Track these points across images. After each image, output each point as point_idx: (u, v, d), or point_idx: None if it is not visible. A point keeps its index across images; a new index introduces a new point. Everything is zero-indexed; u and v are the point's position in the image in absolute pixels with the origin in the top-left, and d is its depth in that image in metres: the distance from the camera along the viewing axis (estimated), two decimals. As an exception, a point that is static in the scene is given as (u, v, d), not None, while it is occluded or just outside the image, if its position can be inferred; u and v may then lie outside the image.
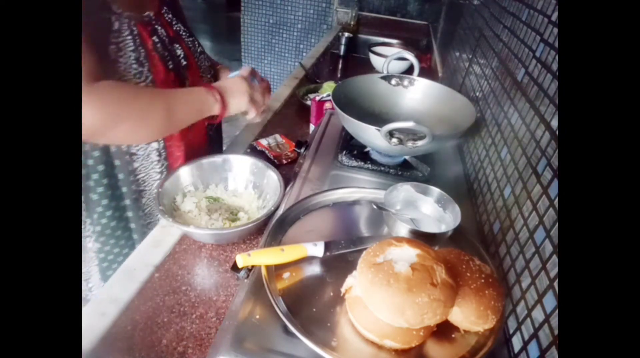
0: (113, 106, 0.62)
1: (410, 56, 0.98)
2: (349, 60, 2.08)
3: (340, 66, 2.02)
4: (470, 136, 0.92)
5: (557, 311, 0.42)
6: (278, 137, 1.11)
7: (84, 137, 0.63)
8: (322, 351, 0.42)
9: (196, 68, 0.86)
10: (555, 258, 0.45)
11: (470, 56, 1.15)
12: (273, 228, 0.60)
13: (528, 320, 0.48)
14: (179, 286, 0.64)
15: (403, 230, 0.58)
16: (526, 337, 0.48)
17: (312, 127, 1.17)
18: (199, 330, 0.58)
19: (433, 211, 0.64)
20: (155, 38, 0.75)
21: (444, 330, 0.47)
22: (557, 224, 0.46)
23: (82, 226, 0.85)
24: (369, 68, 1.83)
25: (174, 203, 0.77)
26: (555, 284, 0.44)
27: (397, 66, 1.62)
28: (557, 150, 0.50)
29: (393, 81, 0.96)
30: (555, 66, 0.56)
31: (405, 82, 0.96)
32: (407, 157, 0.84)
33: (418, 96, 0.96)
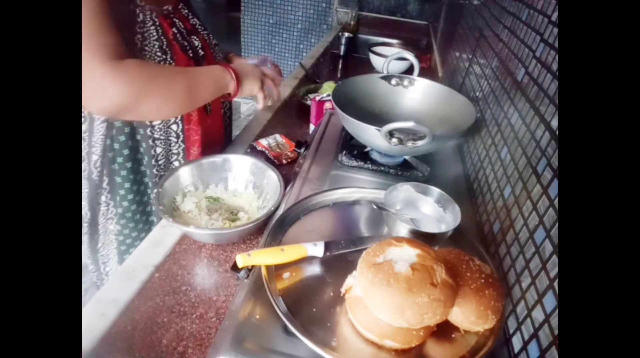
0: (140, 82, 0.65)
1: (410, 56, 0.98)
2: (349, 60, 2.08)
3: (340, 66, 2.02)
4: (470, 136, 0.92)
5: (557, 311, 0.42)
6: (278, 137, 1.11)
7: (113, 113, 0.67)
8: (322, 351, 0.42)
9: (212, 58, 0.90)
10: (555, 258, 0.45)
11: (470, 56, 1.15)
12: (273, 228, 0.60)
13: (528, 320, 0.48)
14: (179, 286, 0.64)
15: (403, 230, 0.58)
16: (526, 337, 0.48)
17: (312, 127, 1.17)
18: (199, 330, 0.58)
19: (433, 211, 0.64)
20: (174, 29, 0.81)
21: (444, 330, 0.47)
22: (557, 224, 0.46)
23: (106, 209, 0.89)
24: (369, 68, 1.83)
25: (174, 203, 0.77)
26: (555, 284, 0.44)
27: (397, 66, 1.62)
28: (557, 150, 0.50)
29: (393, 81, 0.96)
30: (555, 66, 0.56)
31: (405, 82, 0.96)
32: (407, 157, 0.84)
33: (418, 96, 0.96)
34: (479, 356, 0.45)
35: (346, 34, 2.09)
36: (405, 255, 0.45)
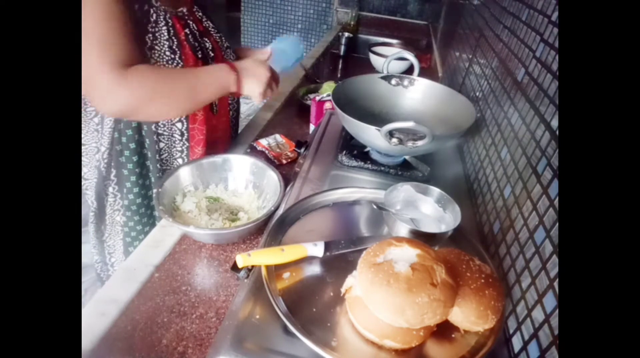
0: (145, 88, 0.70)
1: (410, 56, 0.98)
2: (349, 60, 2.08)
3: (340, 66, 2.02)
4: (470, 136, 0.92)
5: (557, 311, 0.42)
6: (278, 137, 1.11)
7: (120, 116, 0.76)
8: (322, 351, 0.42)
9: (223, 60, 0.92)
10: (555, 258, 0.45)
11: (470, 56, 1.15)
12: (273, 228, 0.60)
13: (528, 320, 0.48)
14: (179, 286, 0.64)
15: (403, 230, 0.58)
16: (526, 337, 0.48)
17: (312, 127, 1.17)
18: (199, 330, 0.58)
19: (433, 211, 0.64)
20: (187, 30, 0.83)
21: (444, 330, 0.47)
22: (557, 224, 0.46)
23: (113, 200, 0.93)
24: (369, 68, 1.83)
25: (174, 203, 0.77)
26: (555, 284, 0.44)
27: (397, 66, 1.62)
28: (557, 150, 0.50)
29: (393, 81, 0.96)
30: (555, 66, 0.56)
31: (405, 82, 0.96)
32: (407, 157, 0.84)
33: (418, 96, 0.96)
34: (479, 356, 0.44)
35: (346, 34, 2.09)
36: (405, 255, 0.45)
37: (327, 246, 0.55)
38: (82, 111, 0.84)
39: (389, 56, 0.99)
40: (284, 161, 1.01)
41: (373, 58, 1.81)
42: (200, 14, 0.91)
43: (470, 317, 0.46)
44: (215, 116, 0.95)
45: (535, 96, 0.61)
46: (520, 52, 0.72)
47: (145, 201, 0.93)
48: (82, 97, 0.81)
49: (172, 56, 0.79)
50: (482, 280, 0.47)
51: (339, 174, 0.80)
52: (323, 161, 0.83)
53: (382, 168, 0.81)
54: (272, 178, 0.80)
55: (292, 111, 1.35)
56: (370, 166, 0.81)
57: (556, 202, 0.47)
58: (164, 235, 0.74)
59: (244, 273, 0.54)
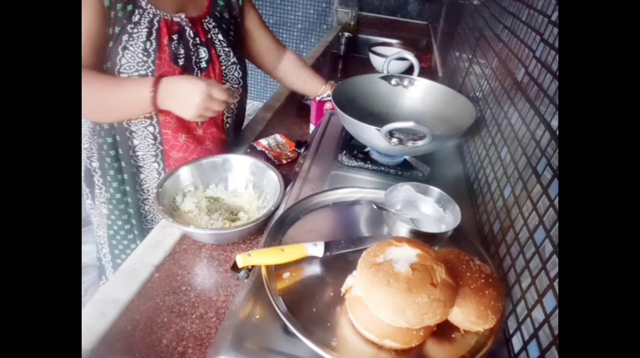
0: None
1: (410, 56, 0.98)
2: (349, 60, 2.08)
3: (340, 66, 2.02)
4: (470, 136, 0.92)
5: (557, 311, 0.42)
6: (278, 137, 1.11)
7: None
8: (322, 351, 0.42)
9: (219, 74, 0.92)
10: (555, 258, 0.45)
11: (470, 56, 1.15)
12: (273, 228, 0.60)
13: (528, 320, 0.48)
14: (179, 286, 0.64)
15: (403, 230, 0.58)
16: (526, 337, 0.48)
17: (312, 127, 1.17)
18: (199, 330, 0.58)
19: (433, 211, 0.64)
20: (175, 36, 0.82)
21: (444, 330, 0.47)
22: (557, 224, 0.46)
23: (99, 192, 0.95)
24: (369, 68, 1.83)
25: (174, 203, 0.77)
26: (555, 284, 0.44)
27: (397, 66, 1.62)
28: (557, 150, 0.50)
29: (393, 81, 0.96)
30: (555, 66, 0.56)
31: (405, 82, 0.96)
32: (407, 157, 0.84)
33: (418, 96, 0.96)
34: (479, 356, 0.44)
35: (346, 34, 2.09)
36: (405, 255, 0.45)
37: (327, 246, 0.55)
38: None
39: (389, 56, 0.99)
40: (284, 161, 1.01)
41: (373, 58, 1.81)
42: (210, 25, 0.90)
43: (470, 317, 0.46)
44: (201, 127, 0.93)
45: (535, 96, 0.61)
46: (520, 52, 0.72)
47: (125, 198, 0.94)
48: None
49: (145, 59, 0.79)
50: (482, 280, 0.47)
51: (339, 174, 0.80)
52: (323, 161, 0.83)
53: (382, 168, 0.81)
54: (272, 178, 0.80)
55: (292, 111, 1.36)
56: (370, 166, 0.81)
57: (556, 202, 0.47)
58: (164, 235, 0.74)
59: (244, 273, 0.54)
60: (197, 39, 0.86)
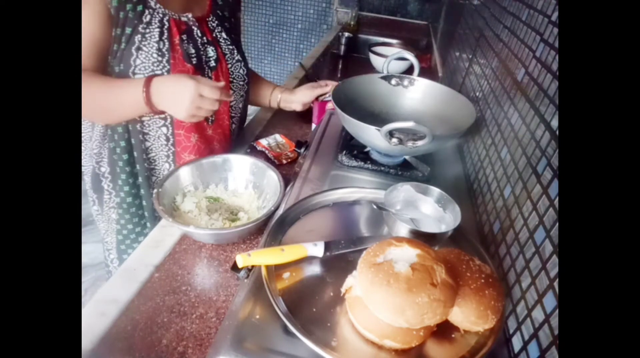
0: None
1: (410, 56, 0.98)
2: (349, 60, 2.08)
3: (340, 66, 2.02)
4: (470, 136, 0.92)
5: (557, 311, 0.42)
6: (278, 137, 1.11)
7: None
8: (322, 351, 0.42)
9: (226, 72, 0.93)
10: (555, 258, 0.45)
11: (470, 56, 1.15)
12: (273, 228, 0.60)
13: (528, 320, 0.48)
14: (179, 286, 0.64)
15: (403, 230, 0.58)
16: (526, 337, 0.48)
17: (314, 127, 1.17)
18: (199, 330, 0.58)
19: (433, 211, 0.64)
20: (184, 36, 0.83)
21: (444, 330, 0.47)
22: (557, 224, 0.46)
23: (108, 197, 0.94)
24: (369, 68, 1.83)
25: (174, 203, 0.77)
26: (555, 284, 0.44)
27: (397, 66, 1.62)
28: (557, 150, 0.50)
29: (393, 81, 0.96)
30: (555, 66, 0.56)
31: (405, 82, 0.96)
32: (407, 157, 0.84)
33: (418, 96, 0.96)
34: (479, 356, 0.44)
35: (346, 34, 2.09)
36: (405, 255, 0.45)
37: (327, 246, 0.55)
38: None
39: (389, 56, 0.99)
40: (284, 161, 1.01)
41: (373, 58, 1.81)
42: (214, 23, 0.91)
43: (470, 316, 0.46)
44: (211, 126, 0.94)
45: (535, 96, 0.61)
46: (520, 52, 0.72)
47: (137, 201, 0.93)
48: None
49: (160, 59, 0.79)
50: (482, 280, 0.47)
51: (339, 174, 0.80)
52: (323, 161, 0.83)
53: (382, 168, 0.81)
54: (272, 178, 0.80)
55: (292, 111, 1.35)
56: (370, 166, 0.81)
57: (556, 202, 0.47)
58: (164, 235, 0.74)
59: (244, 273, 0.54)
60: (204, 38, 0.87)
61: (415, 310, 0.41)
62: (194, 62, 0.84)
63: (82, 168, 0.96)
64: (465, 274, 0.48)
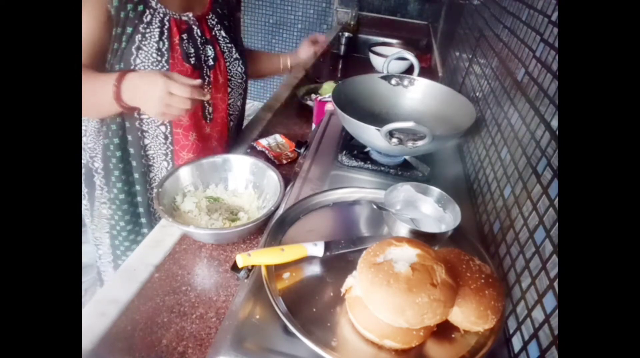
0: None
1: (410, 56, 0.98)
2: (349, 60, 2.08)
3: (340, 66, 2.02)
4: (470, 136, 0.92)
5: (557, 311, 0.42)
6: (278, 137, 1.11)
7: None
8: (322, 351, 0.42)
9: (224, 71, 0.93)
10: (555, 258, 0.45)
11: (470, 56, 1.15)
12: (273, 228, 0.60)
13: (528, 320, 0.48)
14: (179, 286, 0.64)
15: (403, 230, 0.58)
16: (526, 337, 0.48)
17: (314, 127, 1.17)
18: (199, 330, 0.58)
19: (433, 211, 0.64)
20: (184, 35, 0.83)
21: (444, 330, 0.47)
22: (557, 224, 0.46)
23: (100, 193, 0.94)
24: (369, 68, 1.83)
25: (174, 203, 0.77)
26: (555, 284, 0.44)
27: (397, 66, 1.62)
28: (557, 150, 0.50)
29: (393, 81, 0.96)
30: (555, 66, 0.56)
31: (405, 82, 0.96)
32: (407, 157, 0.84)
33: (418, 96, 0.96)
34: (479, 356, 0.44)
35: (346, 34, 2.09)
36: (405, 255, 0.45)
37: (327, 246, 0.55)
38: None
39: (389, 56, 0.99)
40: (284, 161, 1.01)
41: (373, 58, 1.81)
42: (213, 22, 0.91)
43: (470, 316, 0.46)
44: (209, 124, 0.95)
45: (535, 96, 0.61)
46: (520, 52, 0.72)
47: (129, 198, 0.94)
48: None
49: (159, 59, 0.80)
50: (482, 280, 0.47)
51: (339, 174, 0.80)
52: (323, 161, 0.83)
53: (382, 168, 0.81)
54: (272, 178, 0.80)
55: (292, 111, 1.35)
56: (370, 166, 0.81)
57: (556, 202, 0.47)
58: (164, 235, 0.74)
59: (244, 273, 0.54)
60: (204, 37, 0.88)
61: (415, 310, 0.41)
62: (193, 62, 0.85)
63: None
64: (465, 274, 0.48)
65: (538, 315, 0.46)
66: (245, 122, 1.17)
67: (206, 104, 0.92)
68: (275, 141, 1.09)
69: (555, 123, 0.52)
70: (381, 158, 0.83)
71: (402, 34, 2.36)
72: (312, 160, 0.83)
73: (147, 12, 0.78)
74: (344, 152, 0.82)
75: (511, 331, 0.52)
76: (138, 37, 0.78)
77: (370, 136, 0.74)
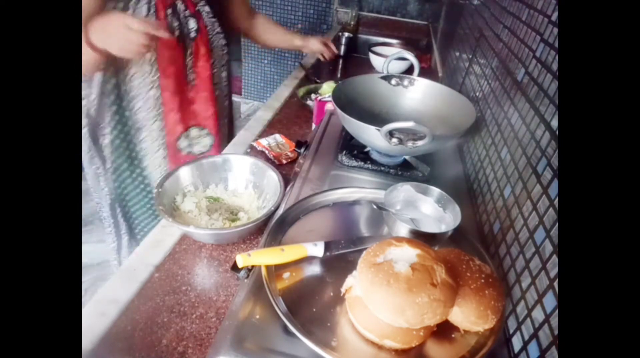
0: None
1: (410, 56, 0.98)
2: (348, 60, 2.08)
3: (340, 66, 2.02)
4: (470, 136, 0.92)
5: (557, 311, 0.42)
6: (278, 137, 1.11)
7: None
8: (322, 351, 0.42)
9: (206, 42, 1.00)
10: (555, 258, 0.45)
11: (470, 56, 1.15)
12: (273, 228, 0.60)
13: (528, 320, 0.48)
14: (179, 286, 0.64)
15: (403, 230, 0.58)
16: (526, 337, 0.48)
17: (314, 127, 1.17)
18: (199, 330, 0.58)
19: (433, 211, 0.64)
20: (169, 10, 0.90)
21: (444, 330, 0.47)
22: (557, 224, 0.46)
23: (101, 140, 1.02)
24: (369, 68, 1.83)
25: (174, 203, 0.77)
26: (555, 284, 0.44)
27: (397, 66, 1.62)
28: (557, 150, 0.50)
29: (393, 81, 0.96)
30: (555, 66, 0.56)
31: (405, 82, 0.96)
32: (407, 157, 0.84)
33: (418, 96, 0.96)
34: (479, 356, 0.45)
35: (346, 34, 2.09)
36: (405, 255, 0.45)
37: (327, 246, 0.55)
38: None
39: (389, 56, 0.99)
40: (284, 161, 1.01)
41: (373, 58, 1.81)
42: None
43: (470, 316, 0.46)
44: (193, 89, 1.02)
45: (535, 96, 0.61)
46: (520, 52, 0.72)
47: (125, 144, 1.04)
48: None
49: None
50: (482, 280, 0.47)
51: (339, 174, 0.80)
52: (323, 161, 0.83)
53: (382, 168, 0.81)
54: (272, 178, 0.80)
55: (292, 111, 1.35)
56: (370, 166, 0.81)
57: (556, 202, 0.47)
58: (164, 235, 0.74)
59: (244, 273, 0.54)
60: (187, 11, 0.94)
61: (415, 310, 0.41)
62: (177, 34, 0.92)
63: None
64: (465, 274, 0.48)
65: (538, 315, 0.46)
66: (245, 122, 1.17)
67: (188, 72, 1.00)
68: (275, 141, 1.09)
69: (555, 123, 0.52)
70: (381, 158, 0.83)
71: (402, 34, 2.36)
72: (312, 160, 0.83)
73: None
74: (344, 152, 0.82)
75: (511, 331, 0.52)
76: (129, 12, 0.84)
77: (370, 136, 0.74)
